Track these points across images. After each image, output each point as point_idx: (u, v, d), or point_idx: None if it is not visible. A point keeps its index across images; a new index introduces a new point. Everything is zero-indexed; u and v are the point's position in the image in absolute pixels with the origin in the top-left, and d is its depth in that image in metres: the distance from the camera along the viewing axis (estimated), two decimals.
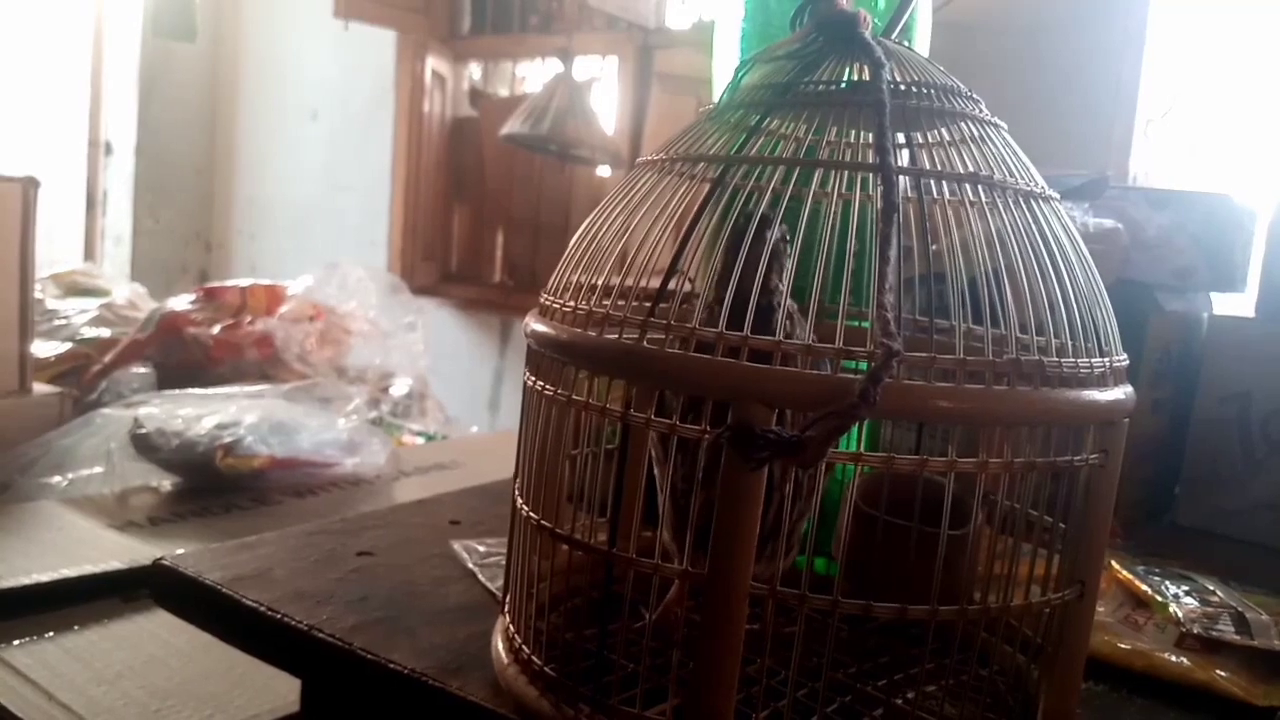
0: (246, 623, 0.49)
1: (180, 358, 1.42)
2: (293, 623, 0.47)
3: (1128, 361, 0.39)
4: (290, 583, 0.51)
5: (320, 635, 0.46)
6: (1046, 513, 0.38)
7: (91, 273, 1.95)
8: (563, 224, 2.83)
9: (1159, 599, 0.53)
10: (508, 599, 0.43)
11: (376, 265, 3.01)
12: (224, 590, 0.50)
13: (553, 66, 2.79)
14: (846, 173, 0.36)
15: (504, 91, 3.14)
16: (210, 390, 1.18)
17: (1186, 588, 0.54)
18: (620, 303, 0.35)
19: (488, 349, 2.77)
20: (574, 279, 0.38)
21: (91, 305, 1.69)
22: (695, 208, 0.35)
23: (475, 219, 3.11)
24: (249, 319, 1.42)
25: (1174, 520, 0.79)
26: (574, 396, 0.36)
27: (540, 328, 0.38)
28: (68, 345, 1.53)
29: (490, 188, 3.04)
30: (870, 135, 0.34)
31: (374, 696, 0.46)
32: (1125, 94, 1.62)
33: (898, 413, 0.33)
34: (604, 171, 2.71)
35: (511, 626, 0.42)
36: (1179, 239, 0.75)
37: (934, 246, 0.35)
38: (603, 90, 2.77)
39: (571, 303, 0.37)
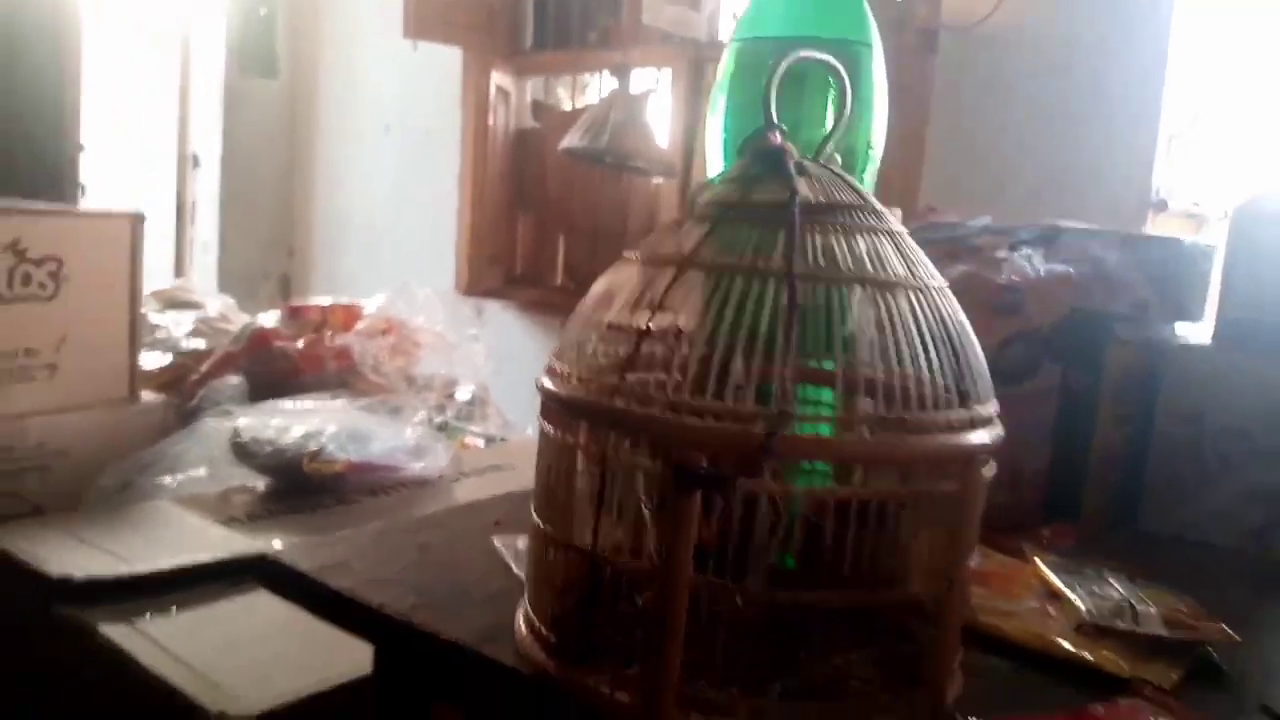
0: (331, 602, 0.63)
1: (269, 369, 1.59)
2: (366, 602, 0.61)
3: (993, 409, 0.50)
4: (365, 571, 0.65)
5: (387, 612, 0.59)
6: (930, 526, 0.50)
7: (186, 288, 2.14)
8: (620, 230, 2.96)
9: (1068, 594, 0.64)
10: (526, 588, 0.56)
11: (445, 271, 3.19)
12: (314, 577, 0.64)
13: (610, 81, 2.92)
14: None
15: (565, 104, 3.28)
16: (297, 403, 1.33)
17: (1095, 586, 0.65)
18: (600, 373, 0.47)
19: (548, 348, 2.92)
20: (572, 350, 0.51)
21: (188, 319, 1.87)
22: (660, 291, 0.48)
23: (538, 226, 3.26)
24: (329, 334, 1.58)
25: (1137, 526, 0.89)
26: (568, 438, 0.49)
27: (548, 386, 0.51)
28: (169, 357, 1.71)
29: (552, 196, 3.18)
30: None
31: (428, 660, 0.60)
32: (1148, 110, 1.68)
33: (790, 456, 0.45)
34: (658, 181, 2.83)
35: (530, 608, 0.55)
36: (1135, 276, 0.85)
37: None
38: (657, 102, 2.89)
39: (567, 368, 0.50)
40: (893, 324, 0.46)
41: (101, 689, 0.78)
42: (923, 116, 2.02)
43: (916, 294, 0.48)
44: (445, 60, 3.21)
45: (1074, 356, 0.83)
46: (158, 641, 0.77)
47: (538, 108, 3.33)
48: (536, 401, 0.53)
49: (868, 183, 0.67)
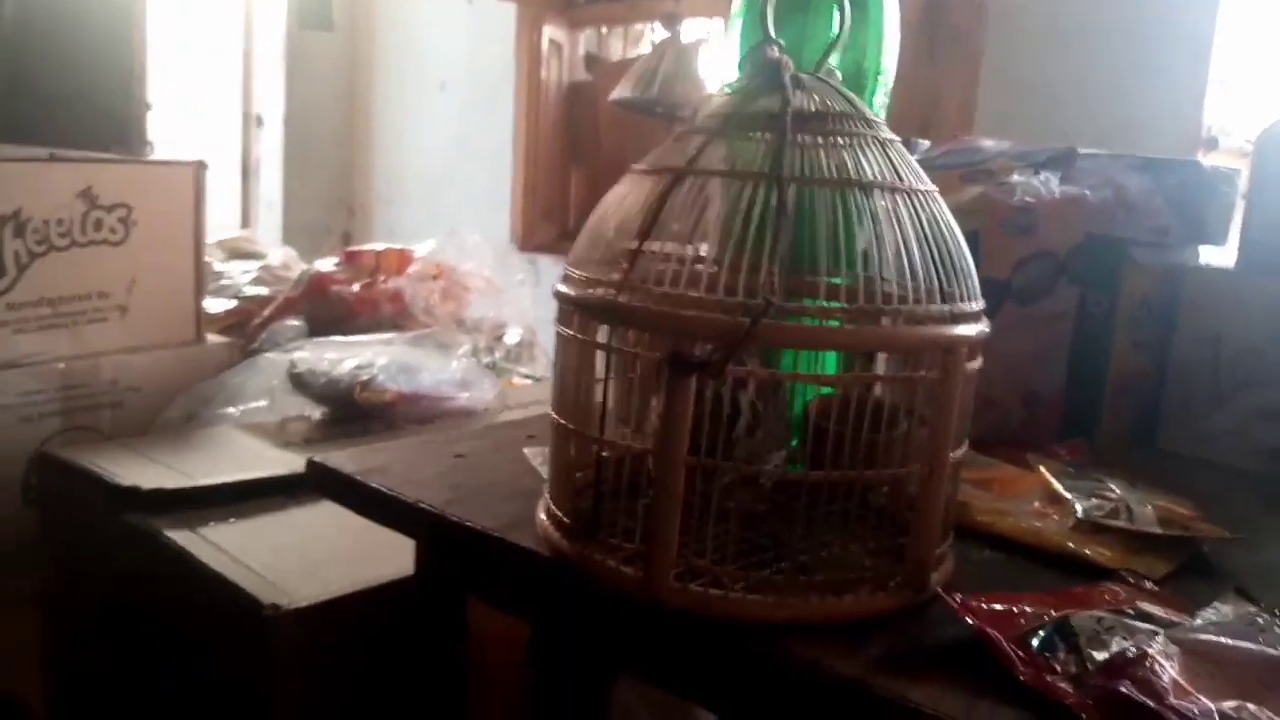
0: (372, 499, 0.68)
1: (326, 313, 1.65)
2: (404, 498, 0.66)
3: (977, 306, 0.53)
4: (404, 474, 0.70)
5: (423, 506, 0.65)
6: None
7: (250, 238, 2.22)
8: None
9: (1067, 495, 0.66)
10: (548, 482, 0.61)
11: (501, 225, 3.25)
12: (357, 478, 0.69)
13: (662, 31, 2.92)
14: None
15: (618, 56, 3.29)
16: (351, 338, 1.40)
17: (1096, 490, 0.67)
18: (606, 271, 0.51)
19: None
20: (582, 256, 0.55)
21: (252, 267, 1.95)
22: (656, 199, 0.52)
23: (591, 180, 3.29)
24: (383, 279, 1.64)
25: (1156, 445, 0.90)
26: (579, 335, 0.53)
27: (561, 289, 0.55)
28: (234, 302, 1.79)
29: (605, 149, 3.21)
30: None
31: (462, 552, 0.65)
32: (1200, 46, 1.66)
33: (773, 344, 0.49)
34: None
35: (549, 499, 0.60)
36: (1155, 201, 0.86)
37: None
38: (709, 52, 2.89)
39: (579, 271, 0.54)
40: (876, 223, 0.49)
41: (166, 588, 0.85)
42: (975, 57, 2.01)
43: (903, 196, 0.50)
44: (499, 15, 3.24)
45: (1092, 280, 0.85)
46: (218, 545, 0.84)
47: (590, 60, 3.35)
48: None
49: (877, 106, 0.69)
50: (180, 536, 0.85)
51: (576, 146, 3.34)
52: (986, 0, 1.99)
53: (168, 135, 3.17)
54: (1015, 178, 0.82)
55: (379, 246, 1.75)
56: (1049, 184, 0.80)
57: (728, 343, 0.46)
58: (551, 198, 3.35)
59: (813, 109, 0.52)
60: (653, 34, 3.09)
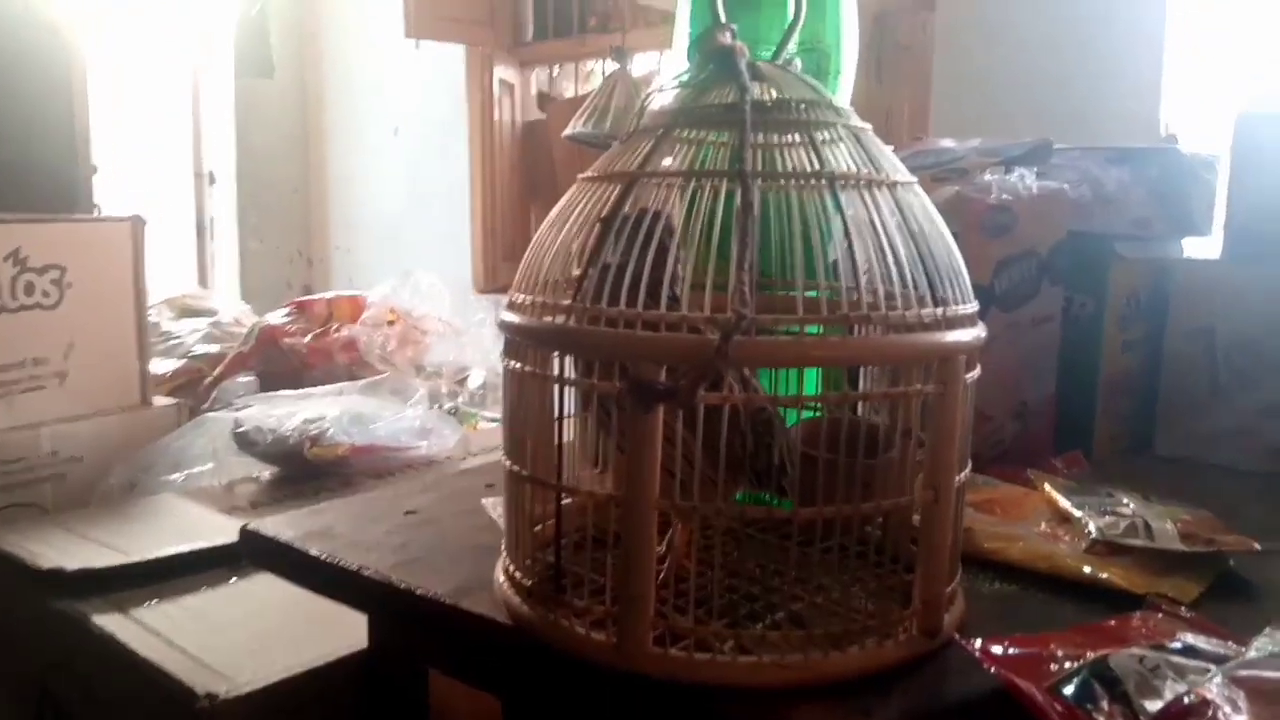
0: (313, 569, 0.61)
1: (279, 366, 1.58)
2: (346, 565, 0.59)
3: (972, 309, 0.47)
4: (349, 536, 0.63)
5: (366, 573, 0.58)
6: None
7: (200, 295, 2.15)
8: None
9: (1077, 515, 0.60)
10: (505, 537, 0.54)
11: (462, 268, 3.19)
12: (294, 545, 0.62)
13: (612, 66, 2.89)
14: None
15: (570, 93, 3.26)
16: (300, 391, 1.33)
17: (1108, 507, 0.62)
18: (553, 294, 0.45)
19: None
20: (525, 279, 0.48)
21: (201, 324, 1.87)
22: (607, 209, 0.46)
23: None
24: (336, 327, 1.57)
25: (1153, 451, 0.85)
26: (526, 368, 0.47)
27: (506, 317, 0.49)
28: (182, 362, 1.71)
29: (562, 187, 3.14)
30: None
31: (417, 624, 0.58)
32: (1154, 49, 1.64)
33: (747, 362, 0.43)
34: None
35: (507, 556, 0.53)
36: (1136, 192, 0.82)
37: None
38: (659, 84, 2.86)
39: (523, 297, 0.47)
40: (854, 221, 0.43)
41: (99, 679, 0.77)
42: (924, 72, 1.98)
43: (879, 189, 0.45)
44: (448, 57, 3.20)
45: (1075, 280, 0.80)
46: (151, 628, 0.76)
47: (542, 99, 3.31)
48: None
49: (841, 94, 0.64)
50: (108, 620, 0.77)
51: (534, 185, 3.29)
52: (932, 17, 1.98)
53: (117, 197, 3.09)
54: (988, 176, 0.77)
55: (329, 294, 1.68)
56: (1025, 180, 0.75)
57: (696, 365, 0.39)
58: (513, 238, 3.29)
59: (773, 98, 0.46)
60: (604, 70, 3.06)
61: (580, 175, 0.51)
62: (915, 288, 0.44)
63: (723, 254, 0.42)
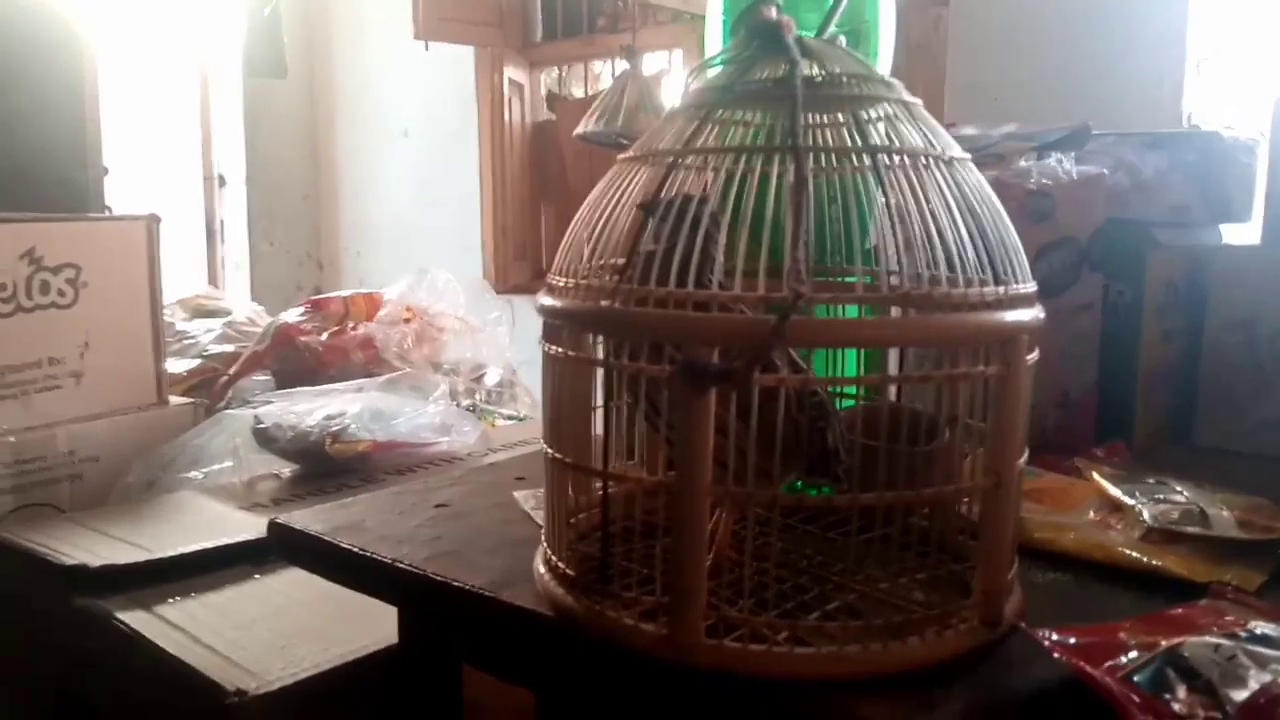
0: (344, 562, 0.59)
1: (295, 364, 1.57)
2: (379, 558, 0.57)
3: (1032, 288, 0.45)
4: (378, 530, 0.62)
5: (400, 566, 0.56)
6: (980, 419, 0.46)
7: (214, 295, 2.14)
8: None
9: (1129, 503, 0.59)
10: (544, 527, 0.53)
11: (473, 269, 3.18)
12: (325, 538, 0.61)
13: (622, 65, 2.88)
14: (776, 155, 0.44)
15: (580, 92, 3.25)
16: (320, 388, 1.31)
17: (1160, 494, 0.60)
18: (597, 277, 0.44)
19: None
20: (566, 262, 0.47)
21: (216, 325, 1.87)
22: (652, 191, 0.44)
23: (561, 218, 3.23)
24: (352, 325, 1.56)
25: (1193, 441, 0.83)
26: (569, 352, 0.45)
27: (545, 302, 0.47)
28: (198, 361, 1.70)
29: (573, 186, 3.15)
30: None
31: (450, 616, 0.56)
32: (1174, 34, 1.62)
33: (805, 343, 0.41)
34: None
35: (547, 547, 0.51)
36: (1174, 178, 0.80)
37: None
38: (670, 83, 2.85)
39: (563, 280, 0.46)
40: (912, 197, 0.42)
41: (123, 676, 0.76)
42: (939, 70, 1.97)
43: (937, 165, 0.43)
44: (458, 59, 3.19)
45: (1113, 268, 0.78)
46: (176, 625, 0.75)
47: (552, 99, 3.31)
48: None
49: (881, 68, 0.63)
50: (133, 617, 0.76)
51: (544, 185, 3.29)
52: (945, 13, 1.96)
53: (127, 200, 3.09)
54: (1024, 162, 0.75)
55: (346, 292, 1.67)
56: (1064, 165, 0.74)
57: (751, 346, 0.38)
58: (523, 238, 3.29)
59: (823, 74, 0.45)
60: (613, 70, 3.06)
61: (619, 156, 0.49)
62: (976, 267, 0.43)
63: (755, 238, 0.40)
